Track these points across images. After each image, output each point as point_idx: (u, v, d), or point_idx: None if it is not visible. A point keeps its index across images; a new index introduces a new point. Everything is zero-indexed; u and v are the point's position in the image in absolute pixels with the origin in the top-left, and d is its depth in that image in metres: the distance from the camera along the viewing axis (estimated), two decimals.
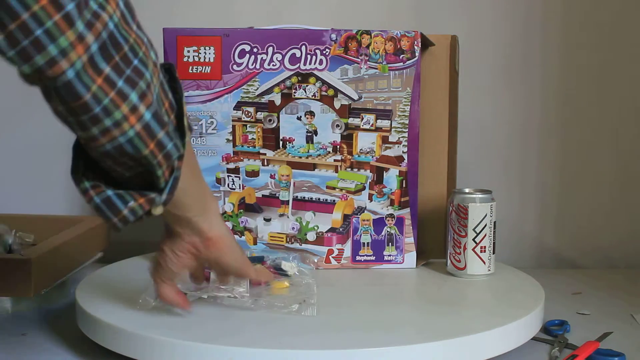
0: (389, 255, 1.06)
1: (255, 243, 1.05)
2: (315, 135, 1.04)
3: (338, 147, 1.04)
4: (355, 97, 1.03)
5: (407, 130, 1.04)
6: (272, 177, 1.04)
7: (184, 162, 0.67)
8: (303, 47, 1.02)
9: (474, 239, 1.01)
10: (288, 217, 1.05)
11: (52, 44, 0.54)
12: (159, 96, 0.62)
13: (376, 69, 1.03)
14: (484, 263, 1.01)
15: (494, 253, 1.02)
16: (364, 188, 1.05)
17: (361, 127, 1.04)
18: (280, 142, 1.04)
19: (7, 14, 0.52)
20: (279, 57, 1.02)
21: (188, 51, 1.02)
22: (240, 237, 1.05)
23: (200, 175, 0.75)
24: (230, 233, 0.80)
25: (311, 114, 1.04)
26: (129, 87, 0.58)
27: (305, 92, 1.03)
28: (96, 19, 0.56)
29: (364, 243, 1.06)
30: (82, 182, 0.66)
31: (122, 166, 0.64)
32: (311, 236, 1.05)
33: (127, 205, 0.66)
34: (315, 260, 1.05)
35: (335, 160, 1.05)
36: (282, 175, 1.04)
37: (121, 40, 0.58)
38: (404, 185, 1.05)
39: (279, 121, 1.04)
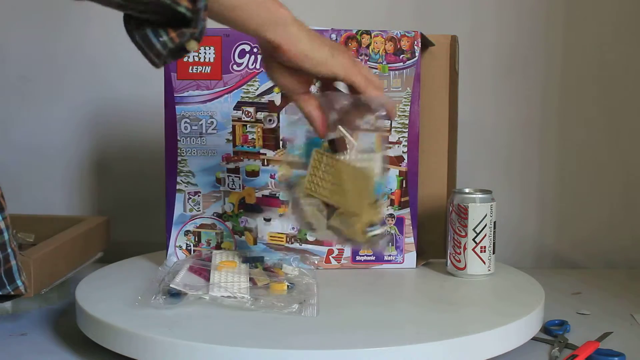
0: (389, 255, 1.06)
1: (255, 243, 1.05)
2: None
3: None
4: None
5: (407, 130, 1.04)
6: (272, 177, 1.04)
7: None
8: None
9: (474, 239, 1.01)
10: (288, 217, 1.05)
11: None
12: None
13: (376, 69, 1.03)
14: (484, 263, 1.01)
15: (494, 253, 1.02)
16: None
17: (361, 127, 1.04)
18: (280, 142, 1.04)
19: None
20: None
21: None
22: (240, 237, 1.05)
23: None
24: (310, 40, 0.73)
25: None
26: None
27: None
28: None
29: None
30: (129, 24, 0.67)
31: (150, 13, 0.65)
32: (311, 236, 1.05)
33: (159, 39, 0.66)
34: (316, 262, 1.05)
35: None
36: (282, 175, 1.04)
37: None
38: (404, 185, 1.05)
39: (279, 121, 1.04)
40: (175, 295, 0.87)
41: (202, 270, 0.93)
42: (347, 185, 0.81)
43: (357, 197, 0.81)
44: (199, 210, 1.05)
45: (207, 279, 0.91)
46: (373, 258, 1.05)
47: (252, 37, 0.72)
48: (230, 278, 0.91)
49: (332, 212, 0.81)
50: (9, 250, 0.70)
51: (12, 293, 0.71)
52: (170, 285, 0.88)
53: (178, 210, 1.05)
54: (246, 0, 0.68)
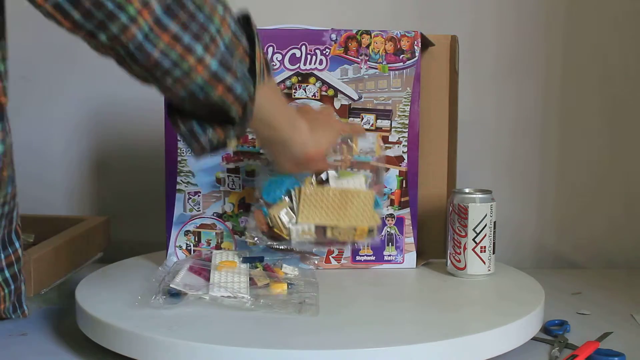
0: (389, 255, 1.06)
1: (255, 243, 1.05)
2: None
3: (338, 147, 1.04)
4: (355, 97, 1.03)
5: (407, 130, 1.04)
6: None
7: (266, 93, 0.74)
8: (303, 47, 1.02)
9: (474, 239, 1.01)
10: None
11: (122, 12, 0.61)
12: (230, 45, 0.68)
13: (376, 69, 1.03)
14: (484, 263, 1.01)
15: (494, 253, 1.02)
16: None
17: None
18: None
19: None
20: (279, 57, 1.02)
21: None
22: (240, 237, 1.05)
23: (280, 96, 0.81)
24: (322, 135, 0.86)
25: None
26: (194, 41, 0.64)
27: (305, 92, 1.03)
28: None
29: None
30: (174, 117, 0.74)
31: (201, 109, 0.72)
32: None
33: (206, 132, 0.73)
34: (316, 262, 1.05)
35: (335, 160, 1.04)
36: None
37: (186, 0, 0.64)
38: (404, 185, 1.05)
39: None
40: (175, 295, 0.87)
41: (202, 270, 0.93)
42: (349, 207, 0.92)
43: (358, 214, 0.92)
44: (199, 210, 1.05)
45: (207, 279, 0.90)
46: (373, 258, 1.05)
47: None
48: (230, 278, 0.91)
49: (324, 229, 0.92)
50: (22, 277, 0.73)
51: (20, 317, 0.75)
52: (170, 285, 0.88)
53: (178, 210, 1.05)
54: (273, 112, 0.78)
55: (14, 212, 0.74)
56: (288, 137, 0.81)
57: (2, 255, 0.72)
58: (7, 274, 0.72)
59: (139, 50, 0.63)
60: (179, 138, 1.03)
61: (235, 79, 0.69)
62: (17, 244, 0.73)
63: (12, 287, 0.72)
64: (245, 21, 0.74)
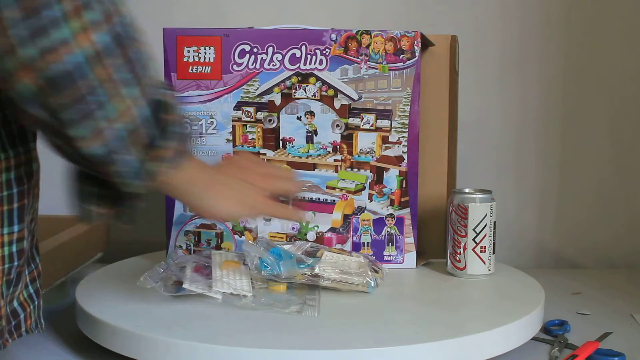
0: (389, 255, 1.06)
1: None
2: (315, 135, 1.04)
3: (338, 147, 1.04)
4: (355, 97, 1.03)
5: (407, 130, 1.04)
6: None
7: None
8: (303, 47, 1.02)
9: (474, 239, 1.01)
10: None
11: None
12: (124, 133, 0.62)
13: (376, 69, 1.03)
14: (484, 263, 1.01)
15: (494, 253, 1.02)
16: (364, 188, 1.05)
17: (361, 127, 1.04)
18: (280, 142, 1.04)
19: None
20: (279, 57, 1.02)
21: (188, 51, 1.02)
22: (240, 237, 1.05)
23: (194, 175, 0.73)
24: (221, 194, 0.77)
25: (311, 114, 1.04)
26: (79, 122, 0.59)
27: (305, 92, 1.03)
28: None
29: (364, 243, 1.06)
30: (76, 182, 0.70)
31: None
32: (311, 236, 1.05)
33: (96, 208, 0.70)
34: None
35: (335, 160, 1.05)
36: None
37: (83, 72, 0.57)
38: (404, 185, 1.05)
39: (279, 121, 1.04)
40: (178, 286, 0.87)
41: (205, 268, 0.93)
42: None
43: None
44: None
45: (209, 277, 0.90)
46: (373, 258, 1.05)
47: None
48: (232, 276, 0.91)
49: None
50: (41, 292, 0.74)
51: (40, 331, 0.75)
52: (182, 280, 0.88)
53: (178, 210, 1.05)
54: (174, 185, 0.72)
55: (36, 228, 0.75)
56: (191, 204, 0.77)
57: (27, 271, 0.72)
58: (32, 290, 0.72)
59: (20, 101, 0.57)
60: None
61: (117, 173, 0.64)
62: (37, 260, 0.73)
63: (36, 303, 0.72)
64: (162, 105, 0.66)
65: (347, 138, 1.04)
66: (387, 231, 1.06)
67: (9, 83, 0.55)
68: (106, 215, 0.69)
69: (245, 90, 1.03)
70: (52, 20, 0.53)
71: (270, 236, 1.05)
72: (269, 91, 1.03)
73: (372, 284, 0.92)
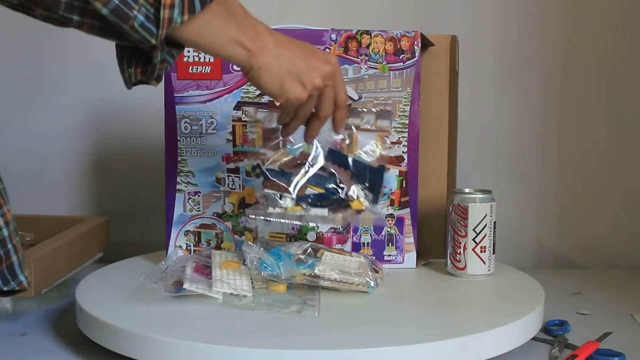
0: (389, 255, 1.06)
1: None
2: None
3: (338, 147, 1.04)
4: (355, 97, 1.03)
5: (407, 130, 1.04)
6: None
7: (197, 27, 0.68)
8: None
9: (474, 239, 1.01)
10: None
11: None
12: None
13: (376, 69, 1.03)
14: (484, 263, 1.01)
15: (494, 253, 1.02)
16: None
17: (361, 127, 1.04)
18: (280, 142, 1.04)
19: None
20: None
21: (188, 51, 1.02)
22: (240, 237, 1.05)
23: (222, 21, 0.71)
24: (282, 54, 0.75)
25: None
26: None
27: None
28: None
29: (364, 243, 1.06)
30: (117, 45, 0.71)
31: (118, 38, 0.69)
32: (311, 236, 1.05)
33: (129, 69, 0.71)
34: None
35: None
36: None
37: None
38: (404, 185, 1.05)
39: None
40: (178, 286, 0.87)
41: (205, 268, 0.93)
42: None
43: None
44: (199, 210, 1.05)
45: (209, 277, 0.91)
46: (373, 258, 1.05)
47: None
48: (232, 276, 0.91)
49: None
50: (9, 246, 0.70)
51: (17, 288, 0.71)
52: (182, 280, 0.88)
53: (178, 210, 1.05)
54: (208, 44, 0.70)
55: None
56: (237, 61, 0.73)
57: None
58: None
59: None
60: (178, 138, 1.03)
61: (131, 28, 0.64)
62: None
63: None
64: None
65: (347, 138, 1.04)
66: (387, 231, 1.06)
67: None
68: (139, 73, 0.71)
69: (245, 91, 1.03)
70: None
71: (270, 236, 1.05)
72: None
73: (372, 284, 0.92)
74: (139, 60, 0.71)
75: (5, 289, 0.69)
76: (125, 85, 0.73)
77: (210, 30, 0.70)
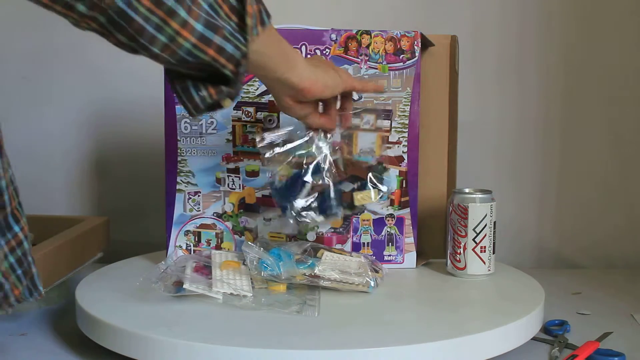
0: (389, 255, 1.06)
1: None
2: None
3: (338, 147, 1.04)
4: (355, 97, 1.03)
5: (407, 130, 1.04)
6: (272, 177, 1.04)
7: (262, 42, 0.72)
8: (303, 47, 1.02)
9: (474, 239, 1.01)
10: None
11: None
12: (214, 4, 0.67)
13: (376, 69, 1.03)
14: (484, 263, 1.01)
15: (494, 253, 1.02)
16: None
17: (361, 127, 1.04)
18: (281, 142, 1.04)
19: None
20: None
21: None
22: (240, 237, 1.05)
23: (278, 38, 0.77)
24: (322, 71, 0.84)
25: None
26: (176, 3, 0.64)
27: None
28: None
29: (364, 243, 1.06)
30: (170, 77, 0.73)
31: (195, 70, 0.71)
32: (311, 236, 1.05)
33: (199, 93, 0.72)
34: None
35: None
36: (282, 176, 1.04)
37: None
38: (404, 185, 1.05)
39: (279, 121, 1.04)
40: (178, 286, 0.87)
41: (205, 268, 0.93)
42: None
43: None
44: (199, 210, 1.05)
45: (209, 277, 0.91)
46: (373, 258, 1.05)
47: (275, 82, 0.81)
48: (232, 276, 0.91)
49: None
50: (30, 258, 0.72)
51: (38, 298, 0.73)
52: (182, 280, 0.88)
53: (178, 210, 1.05)
54: (269, 56, 0.76)
55: (5, 197, 0.73)
56: (284, 76, 0.80)
57: (2, 242, 0.71)
58: (12, 259, 0.71)
59: (120, 17, 0.62)
60: (178, 138, 1.03)
61: (224, 39, 0.68)
62: (16, 228, 0.72)
63: (19, 271, 0.71)
64: None
65: (347, 138, 1.04)
66: (387, 231, 1.06)
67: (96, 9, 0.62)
68: (215, 94, 0.73)
69: (245, 91, 1.03)
70: None
71: (270, 236, 1.05)
72: (269, 91, 1.03)
73: (372, 284, 0.92)
74: (206, 83, 0.72)
75: (31, 299, 0.71)
76: (190, 114, 0.74)
77: (273, 41, 0.76)
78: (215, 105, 0.74)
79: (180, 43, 0.65)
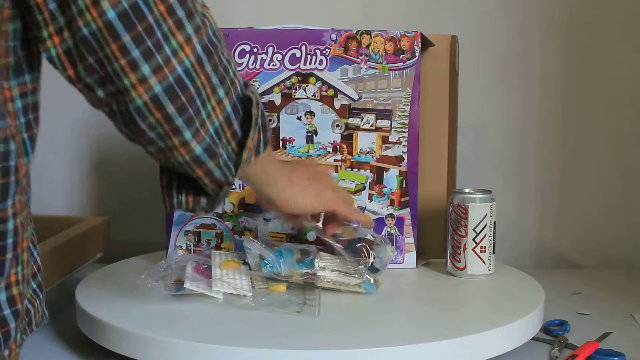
0: None
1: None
2: (315, 135, 1.04)
3: (338, 147, 1.04)
4: (355, 97, 1.03)
5: (407, 130, 1.04)
6: None
7: (253, 164, 0.74)
8: (303, 47, 1.02)
9: (474, 239, 1.01)
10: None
11: (125, 78, 0.61)
12: (219, 130, 0.68)
13: (376, 69, 1.03)
14: (484, 263, 1.01)
15: (494, 253, 1.02)
16: (364, 188, 1.05)
17: (361, 127, 1.04)
18: (280, 142, 1.04)
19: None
20: (279, 57, 1.02)
21: None
22: (240, 237, 1.05)
23: (266, 158, 0.77)
24: (300, 193, 0.86)
25: (311, 114, 1.04)
26: (185, 125, 0.64)
27: (305, 92, 1.03)
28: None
29: None
30: (160, 166, 0.74)
31: (183, 173, 0.72)
32: (311, 236, 1.05)
33: (178, 196, 0.74)
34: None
35: (335, 160, 1.05)
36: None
37: (187, 82, 0.63)
38: (404, 185, 1.05)
39: (279, 121, 1.04)
40: (179, 285, 0.87)
41: (206, 268, 0.93)
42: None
43: None
44: None
45: (210, 277, 0.90)
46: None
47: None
48: (232, 276, 0.91)
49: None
50: (42, 284, 0.74)
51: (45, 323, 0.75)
52: (182, 279, 0.88)
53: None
54: (253, 173, 0.78)
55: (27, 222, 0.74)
56: (262, 190, 0.83)
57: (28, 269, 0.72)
58: (35, 285, 0.72)
59: (131, 114, 0.63)
60: None
61: (216, 165, 0.69)
62: (35, 254, 0.73)
63: (41, 296, 0.73)
64: (247, 101, 0.73)
65: (347, 138, 1.04)
66: (387, 231, 1.06)
67: (126, 97, 0.62)
68: (191, 202, 0.74)
69: None
70: (163, 36, 0.60)
71: (270, 236, 1.05)
72: (269, 91, 1.03)
73: (372, 288, 0.92)
74: (190, 188, 0.74)
75: (42, 323, 0.72)
76: (166, 208, 0.75)
77: (264, 163, 0.77)
78: (189, 212, 0.76)
79: (175, 156, 0.67)
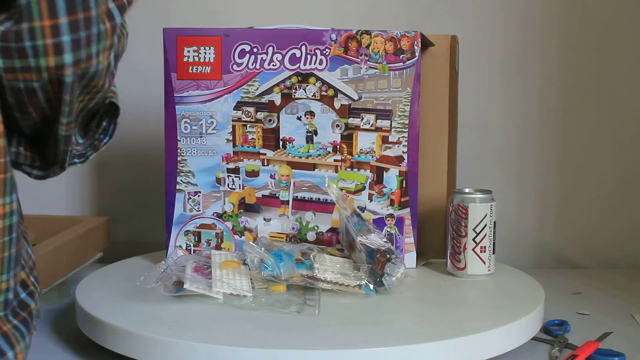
0: None
1: None
2: (315, 135, 1.04)
3: (338, 147, 1.04)
4: (355, 97, 1.03)
5: (407, 130, 1.04)
6: (272, 177, 1.04)
7: None
8: (303, 47, 1.02)
9: (474, 239, 1.01)
10: (288, 217, 1.05)
11: None
12: None
13: (376, 69, 1.03)
14: (484, 263, 1.01)
15: (494, 253, 1.02)
16: (364, 188, 1.05)
17: (361, 127, 1.04)
18: (280, 142, 1.04)
19: None
20: (279, 57, 1.02)
21: (188, 51, 1.02)
22: (240, 237, 1.05)
23: None
24: None
25: (311, 114, 1.04)
26: None
27: (305, 92, 1.03)
28: None
29: None
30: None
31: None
32: (311, 236, 1.05)
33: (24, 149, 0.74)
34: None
35: (335, 160, 1.05)
36: (282, 175, 1.04)
37: None
38: (404, 185, 1.05)
39: (279, 121, 1.04)
40: (179, 286, 0.87)
41: (205, 268, 0.93)
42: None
43: None
44: (199, 210, 1.05)
45: (209, 277, 0.90)
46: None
47: None
48: (232, 276, 0.91)
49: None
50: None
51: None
52: (182, 280, 0.88)
53: (178, 210, 1.05)
54: None
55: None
56: None
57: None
58: (32, 279, 0.72)
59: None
60: (179, 138, 1.03)
61: None
62: (29, 250, 0.73)
63: (39, 290, 0.73)
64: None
65: (347, 138, 1.04)
66: (387, 231, 1.06)
67: (60, 73, 0.61)
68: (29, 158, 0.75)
69: (245, 90, 1.03)
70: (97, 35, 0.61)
71: (270, 236, 1.05)
72: (269, 91, 1.03)
73: (371, 287, 0.92)
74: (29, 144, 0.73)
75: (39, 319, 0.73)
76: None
77: None
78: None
79: None
